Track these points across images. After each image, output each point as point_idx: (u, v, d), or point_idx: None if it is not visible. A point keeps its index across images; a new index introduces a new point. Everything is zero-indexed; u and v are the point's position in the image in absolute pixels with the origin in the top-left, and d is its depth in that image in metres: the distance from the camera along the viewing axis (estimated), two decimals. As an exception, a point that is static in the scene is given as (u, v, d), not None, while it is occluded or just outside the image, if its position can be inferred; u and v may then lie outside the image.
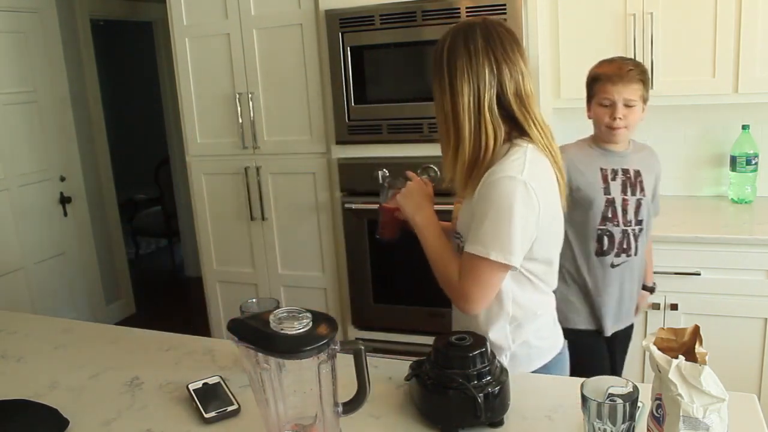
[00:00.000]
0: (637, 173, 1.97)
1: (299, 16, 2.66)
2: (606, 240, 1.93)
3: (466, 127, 1.31)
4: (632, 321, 2.10)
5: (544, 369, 1.44)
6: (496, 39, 1.31)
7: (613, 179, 1.94)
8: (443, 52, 1.32)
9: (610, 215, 1.93)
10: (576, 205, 1.88)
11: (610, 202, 1.93)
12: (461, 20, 1.43)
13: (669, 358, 0.95)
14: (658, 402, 0.98)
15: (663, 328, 1.05)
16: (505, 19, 2.28)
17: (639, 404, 1.03)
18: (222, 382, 1.35)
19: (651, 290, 2.17)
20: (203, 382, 1.35)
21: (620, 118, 1.90)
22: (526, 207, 1.26)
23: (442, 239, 1.43)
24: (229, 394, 1.31)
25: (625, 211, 1.93)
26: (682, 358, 0.95)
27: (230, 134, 2.92)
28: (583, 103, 2.66)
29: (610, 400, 1.01)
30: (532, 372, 1.42)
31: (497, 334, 1.40)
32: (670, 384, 0.94)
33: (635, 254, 1.96)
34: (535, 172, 1.29)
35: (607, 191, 1.93)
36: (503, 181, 1.26)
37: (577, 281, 1.98)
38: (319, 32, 2.62)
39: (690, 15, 2.39)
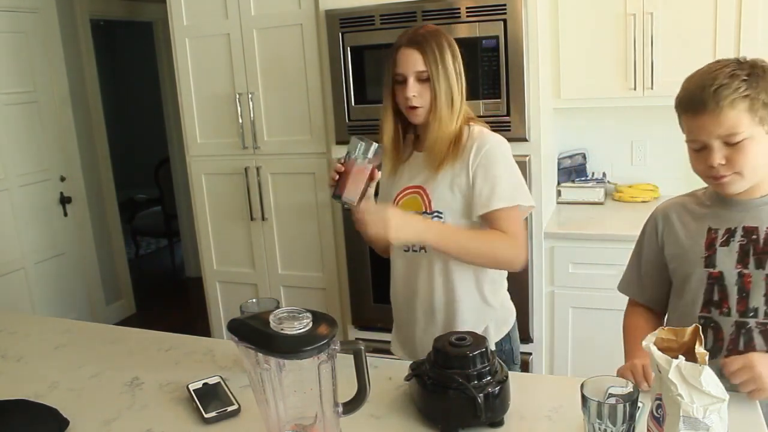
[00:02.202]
0: None
1: (299, 16, 2.66)
2: (710, 334, 1.29)
3: (459, 109, 1.54)
4: None
5: (512, 330, 1.65)
6: None
7: (725, 244, 1.29)
8: (451, 44, 1.53)
9: (716, 298, 1.29)
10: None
11: (716, 279, 1.29)
12: (430, 26, 1.58)
13: (669, 358, 0.95)
14: (658, 402, 0.98)
15: (663, 328, 1.05)
16: (505, 19, 2.28)
17: (639, 404, 1.03)
18: (222, 382, 1.35)
19: None
20: (203, 382, 1.35)
21: (721, 164, 1.26)
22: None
23: (461, 231, 1.52)
24: (229, 394, 1.30)
25: (743, 292, 1.25)
26: (682, 358, 0.95)
27: (230, 134, 2.92)
28: (583, 103, 2.68)
29: (610, 401, 1.01)
30: (506, 334, 1.61)
31: (492, 296, 1.60)
32: (670, 384, 0.94)
33: None
34: None
35: (710, 262, 1.30)
36: (501, 145, 1.54)
37: None
38: (319, 32, 2.62)
39: (690, 15, 2.39)
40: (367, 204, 1.47)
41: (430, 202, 1.55)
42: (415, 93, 1.51)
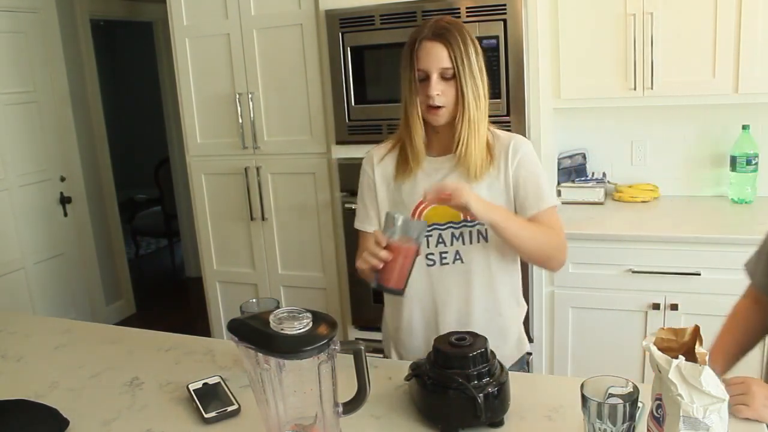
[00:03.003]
0: None
1: (299, 16, 2.66)
2: None
3: (486, 110, 1.45)
4: None
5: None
6: None
7: None
8: (473, 39, 1.42)
9: None
10: None
11: None
12: (450, 18, 1.47)
13: (669, 358, 0.95)
14: (658, 402, 0.98)
15: (663, 328, 1.05)
16: (505, 19, 2.28)
17: (639, 404, 1.03)
18: (222, 382, 1.35)
19: None
20: (203, 382, 1.35)
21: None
22: None
23: (520, 217, 1.46)
24: (229, 394, 1.30)
25: None
26: (682, 358, 0.95)
27: (230, 134, 2.92)
28: (584, 103, 2.68)
29: (610, 401, 1.01)
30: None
31: (521, 308, 1.60)
32: (670, 384, 0.94)
33: None
34: None
35: None
36: (531, 145, 1.50)
37: None
38: (319, 32, 2.62)
39: (690, 15, 2.39)
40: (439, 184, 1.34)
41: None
42: (438, 92, 1.39)
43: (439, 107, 1.41)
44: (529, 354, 1.72)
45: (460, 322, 1.49)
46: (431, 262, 1.48)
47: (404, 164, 1.49)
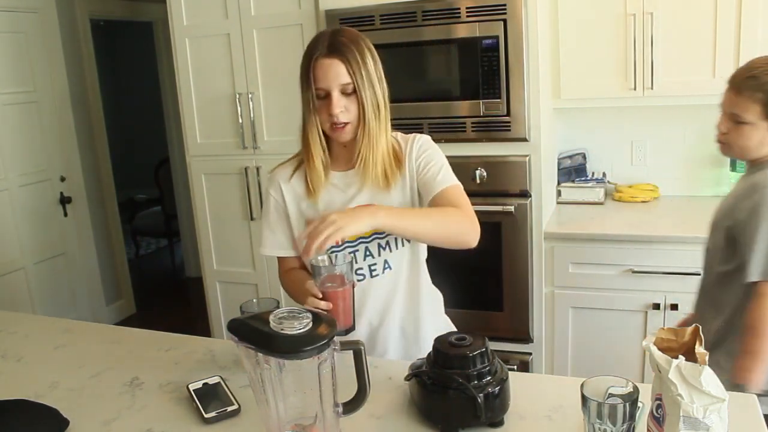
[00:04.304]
0: None
1: (299, 16, 2.66)
2: None
3: (387, 118, 1.42)
4: None
5: None
6: None
7: None
8: (370, 47, 1.40)
9: None
10: None
11: None
12: (343, 29, 1.44)
13: (669, 358, 0.95)
14: (658, 402, 0.98)
15: (663, 328, 1.05)
16: (505, 19, 2.28)
17: (639, 404, 1.03)
18: (222, 382, 1.35)
19: None
20: (203, 382, 1.35)
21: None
22: None
23: (409, 208, 1.44)
24: (229, 394, 1.30)
25: None
26: (682, 358, 0.95)
27: (230, 134, 2.92)
28: (583, 103, 2.68)
29: (610, 401, 1.01)
30: None
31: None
32: (670, 384, 0.94)
33: None
34: None
35: None
36: (425, 137, 1.49)
37: None
38: (319, 32, 2.62)
39: (690, 15, 2.39)
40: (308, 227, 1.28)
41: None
42: (341, 108, 1.35)
43: (344, 124, 1.37)
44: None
45: (410, 325, 1.52)
46: (361, 278, 1.46)
47: (312, 183, 1.47)
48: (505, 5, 2.27)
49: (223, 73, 2.86)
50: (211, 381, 1.36)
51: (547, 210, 2.59)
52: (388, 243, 1.46)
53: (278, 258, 1.57)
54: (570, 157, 2.87)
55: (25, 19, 3.55)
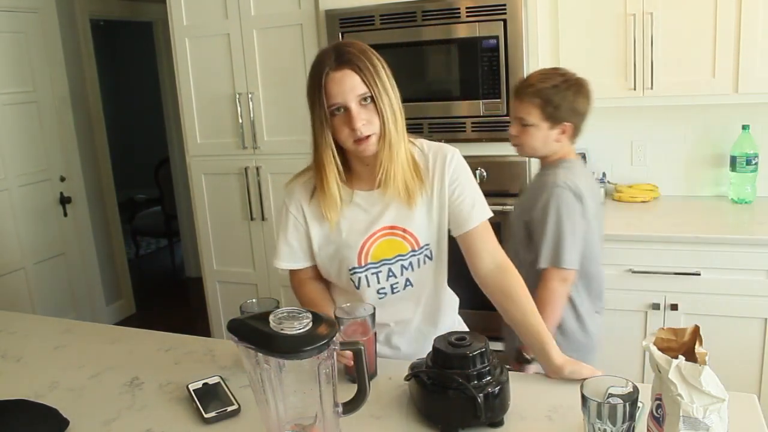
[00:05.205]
0: None
1: (299, 16, 2.67)
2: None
3: (404, 127, 1.37)
4: None
5: None
6: None
7: None
8: (378, 56, 1.34)
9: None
10: None
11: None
12: (346, 41, 1.41)
13: (669, 358, 0.95)
14: (658, 402, 0.98)
15: (663, 328, 1.05)
16: (505, 19, 2.28)
17: (639, 404, 1.03)
18: (222, 382, 1.35)
19: None
20: (203, 382, 1.35)
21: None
22: None
23: (540, 321, 1.38)
24: (229, 394, 1.30)
25: None
26: (682, 358, 0.95)
27: (230, 134, 2.92)
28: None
29: (610, 401, 1.01)
30: None
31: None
32: (670, 384, 0.94)
33: None
34: None
35: None
36: (459, 154, 1.43)
37: None
38: (319, 32, 2.62)
39: (690, 15, 2.39)
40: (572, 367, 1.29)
41: (417, 239, 1.42)
42: (363, 121, 1.29)
43: (368, 137, 1.30)
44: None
45: (427, 327, 1.51)
46: (382, 296, 1.45)
47: (326, 207, 1.41)
48: (505, 5, 2.27)
49: (223, 73, 2.87)
50: (211, 381, 1.36)
51: (547, 210, 2.59)
52: (411, 264, 1.44)
53: (291, 271, 1.54)
54: (570, 157, 2.87)
55: (25, 19, 3.55)
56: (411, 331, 1.52)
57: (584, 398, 1.00)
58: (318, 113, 1.31)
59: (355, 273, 1.43)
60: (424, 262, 1.45)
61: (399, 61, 2.49)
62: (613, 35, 2.50)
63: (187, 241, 5.05)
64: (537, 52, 2.33)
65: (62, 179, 3.82)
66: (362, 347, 1.06)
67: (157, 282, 5.31)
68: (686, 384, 0.93)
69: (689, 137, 2.79)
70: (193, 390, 1.32)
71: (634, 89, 2.50)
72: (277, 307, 1.06)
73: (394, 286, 1.45)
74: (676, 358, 0.95)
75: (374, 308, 1.34)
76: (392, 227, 1.41)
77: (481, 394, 1.11)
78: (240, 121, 2.87)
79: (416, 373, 1.20)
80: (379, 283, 1.44)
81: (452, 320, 1.59)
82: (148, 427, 1.23)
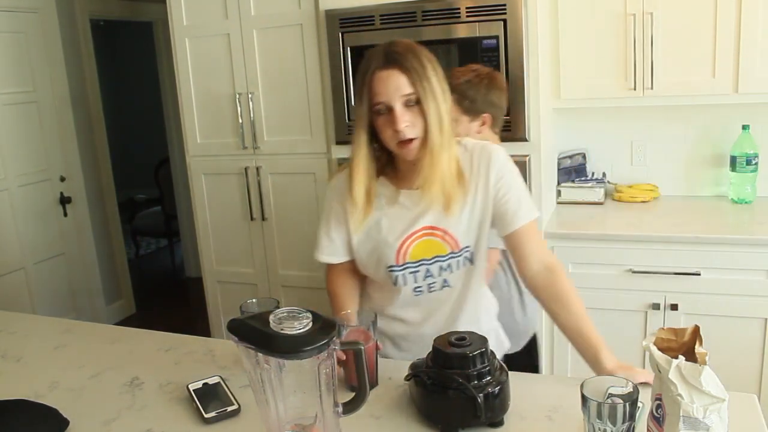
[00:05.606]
0: None
1: (299, 16, 2.66)
2: None
3: (449, 133, 1.34)
4: None
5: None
6: None
7: None
8: (431, 59, 1.32)
9: None
10: None
11: None
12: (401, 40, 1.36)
13: (669, 358, 0.95)
14: (658, 402, 0.98)
15: (663, 328, 1.05)
16: (505, 19, 2.28)
17: (639, 404, 1.03)
18: (222, 382, 1.35)
19: None
20: (203, 382, 1.35)
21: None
22: None
23: (587, 318, 1.38)
24: (229, 394, 1.30)
25: None
26: (682, 358, 0.95)
27: (230, 134, 2.92)
28: (583, 103, 2.68)
29: (610, 400, 1.01)
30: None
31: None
32: (670, 384, 0.94)
33: None
34: None
35: None
36: (504, 153, 1.40)
37: None
38: (319, 32, 2.62)
39: (690, 15, 2.39)
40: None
41: (456, 241, 1.40)
42: (407, 122, 1.27)
43: (411, 140, 1.29)
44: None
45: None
46: (418, 293, 1.45)
47: (358, 207, 1.40)
48: (505, 5, 2.27)
49: (223, 73, 2.87)
50: (211, 381, 1.36)
51: (546, 210, 2.59)
52: (450, 266, 1.42)
53: (328, 265, 1.54)
54: (570, 157, 2.87)
55: (25, 19, 3.55)
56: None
57: (584, 398, 1.00)
58: (359, 111, 1.32)
59: (392, 271, 1.42)
60: (464, 265, 1.43)
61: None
62: (613, 35, 2.50)
63: (187, 241, 5.05)
64: (537, 52, 2.33)
65: (62, 179, 3.82)
66: (362, 347, 1.06)
67: (157, 282, 5.31)
68: (686, 384, 0.93)
69: (689, 137, 2.79)
70: (193, 390, 1.32)
71: (634, 89, 2.50)
72: (277, 307, 1.06)
73: (431, 285, 1.44)
74: (676, 358, 0.95)
75: (376, 315, 1.34)
76: (432, 228, 1.39)
77: (481, 394, 1.11)
78: (240, 121, 2.87)
79: (416, 373, 1.20)
80: (416, 282, 1.43)
81: (489, 327, 1.56)
82: (148, 427, 1.23)
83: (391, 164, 1.41)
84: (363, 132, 1.33)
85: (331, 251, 1.51)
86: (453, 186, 1.35)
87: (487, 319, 1.56)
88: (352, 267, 1.53)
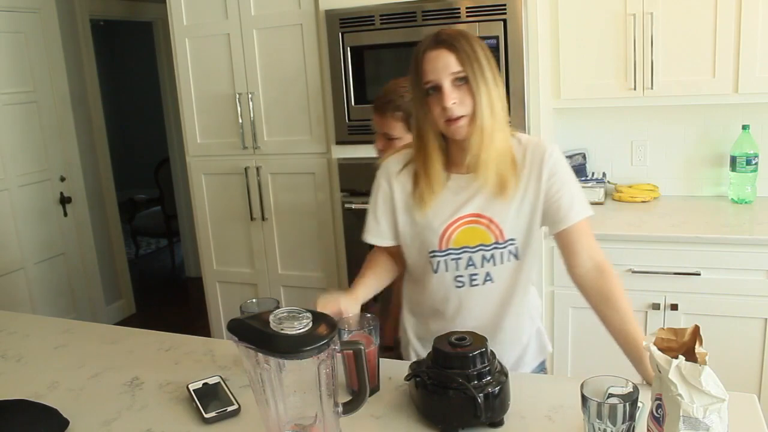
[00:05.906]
0: None
1: (299, 16, 2.66)
2: None
3: (503, 119, 1.34)
4: None
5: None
6: None
7: None
8: (483, 46, 1.34)
9: None
10: None
11: None
12: (455, 28, 1.39)
13: (669, 358, 0.95)
14: (658, 402, 0.98)
15: (663, 328, 1.05)
16: (505, 19, 2.28)
17: (639, 404, 1.03)
18: (222, 382, 1.35)
19: None
20: (203, 382, 1.35)
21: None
22: None
23: (633, 320, 1.39)
24: (229, 394, 1.31)
25: None
26: (682, 358, 0.95)
27: (230, 134, 2.92)
28: (583, 103, 2.68)
29: (610, 401, 1.01)
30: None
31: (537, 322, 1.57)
32: (670, 384, 0.94)
33: None
34: None
35: None
36: (558, 149, 1.38)
37: None
38: (319, 32, 2.62)
39: (690, 15, 2.39)
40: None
41: (501, 231, 1.38)
42: (454, 100, 1.28)
43: (458, 118, 1.29)
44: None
45: (510, 336, 1.48)
46: (460, 284, 1.42)
47: (423, 189, 1.39)
48: (505, 5, 2.27)
49: (223, 73, 2.87)
50: (211, 381, 1.36)
51: (547, 210, 2.59)
52: (493, 256, 1.40)
53: (375, 247, 1.54)
54: (570, 157, 2.87)
55: (25, 19, 3.55)
56: (489, 334, 1.40)
57: (584, 398, 1.00)
58: (417, 94, 1.33)
59: (435, 256, 1.41)
60: (509, 259, 1.40)
61: (399, 61, 2.49)
62: (613, 35, 2.50)
63: (187, 241, 5.05)
64: (537, 52, 2.33)
65: (62, 179, 3.82)
66: (362, 347, 1.06)
67: (157, 282, 5.31)
68: (686, 384, 0.93)
69: (689, 137, 2.79)
70: (193, 390, 1.32)
71: (634, 89, 2.50)
72: (277, 307, 1.06)
73: (473, 277, 1.41)
74: (676, 358, 0.95)
75: (378, 320, 1.34)
76: (478, 215, 1.37)
77: (481, 394, 1.11)
78: (240, 121, 2.87)
79: (416, 373, 1.20)
80: (457, 270, 1.41)
81: (532, 330, 1.53)
82: (148, 427, 1.23)
83: (443, 150, 1.40)
84: (425, 113, 1.33)
85: (377, 233, 1.50)
86: (507, 169, 1.34)
87: (530, 323, 1.53)
88: (394, 253, 1.52)
